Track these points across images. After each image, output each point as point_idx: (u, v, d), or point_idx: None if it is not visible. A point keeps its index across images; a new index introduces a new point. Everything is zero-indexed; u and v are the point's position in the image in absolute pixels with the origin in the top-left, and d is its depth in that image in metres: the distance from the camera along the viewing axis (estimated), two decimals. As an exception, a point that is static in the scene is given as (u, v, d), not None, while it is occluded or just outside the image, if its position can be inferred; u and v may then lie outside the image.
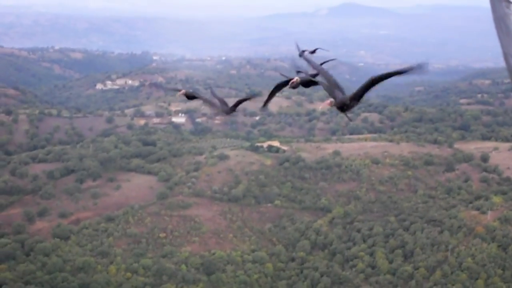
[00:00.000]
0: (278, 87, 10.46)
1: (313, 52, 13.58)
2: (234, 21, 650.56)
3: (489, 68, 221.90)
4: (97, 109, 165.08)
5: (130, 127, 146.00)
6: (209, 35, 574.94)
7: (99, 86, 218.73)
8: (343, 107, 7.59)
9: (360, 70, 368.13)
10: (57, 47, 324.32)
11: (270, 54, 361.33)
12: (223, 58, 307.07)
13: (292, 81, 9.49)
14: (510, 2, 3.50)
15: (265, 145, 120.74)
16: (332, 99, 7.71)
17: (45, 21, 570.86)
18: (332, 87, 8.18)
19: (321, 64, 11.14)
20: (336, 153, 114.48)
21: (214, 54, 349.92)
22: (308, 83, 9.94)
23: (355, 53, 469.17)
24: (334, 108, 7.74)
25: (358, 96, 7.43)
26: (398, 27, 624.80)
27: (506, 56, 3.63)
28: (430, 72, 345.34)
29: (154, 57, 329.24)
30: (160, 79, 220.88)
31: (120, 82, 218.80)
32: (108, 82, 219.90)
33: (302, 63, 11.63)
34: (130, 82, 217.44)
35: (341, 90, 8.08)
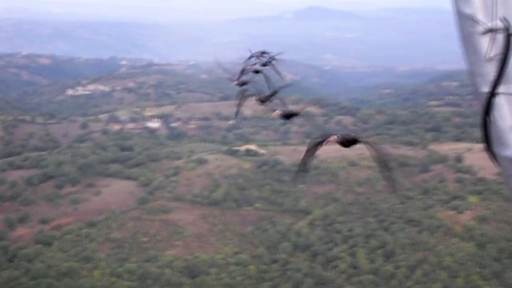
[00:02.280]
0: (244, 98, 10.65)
1: (262, 54, 12.53)
2: (199, 25, 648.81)
3: (456, 70, 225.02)
4: (70, 115, 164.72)
5: (105, 132, 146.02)
6: (174, 39, 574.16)
7: (69, 91, 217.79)
8: (344, 143, 6.74)
9: (327, 73, 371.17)
10: (24, 53, 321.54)
11: (237, 58, 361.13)
12: (191, 62, 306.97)
13: (274, 113, 9.20)
14: (476, 21, 3.59)
15: (242, 148, 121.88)
16: (336, 135, 6.84)
17: (9, 26, 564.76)
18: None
19: (269, 60, 11.57)
20: (314, 155, 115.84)
21: (180, 58, 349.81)
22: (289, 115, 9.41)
23: (321, 56, 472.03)
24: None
25: (358, 141, 6.66)
26: (363, 30, 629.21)
27: (471, 74, 3.76)
28: (397, 75, 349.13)
29: (122, 62, 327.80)
30: (131, 84, 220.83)
31: (91, 87, 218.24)
32: (79, 88, 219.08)
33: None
34: (101, 87, 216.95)
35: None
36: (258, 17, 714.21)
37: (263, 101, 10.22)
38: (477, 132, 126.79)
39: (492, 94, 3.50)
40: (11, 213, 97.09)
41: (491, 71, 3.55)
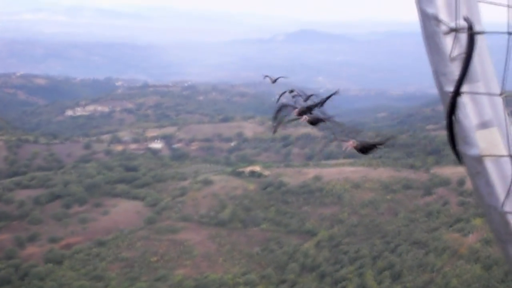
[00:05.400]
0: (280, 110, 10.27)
1: (275, 81, 12.98)
2: (192, 46, 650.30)
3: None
4: (71, 136, 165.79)
5: (108, 153, 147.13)
6: (167, 60, 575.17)
7: (68, 112, 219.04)
8: (363, 150, 7.45)
9: (322, 96, 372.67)
10: (19, 73, 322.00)
11: (230, 79, 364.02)
12: (187, 84, 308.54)
13: (301, 119, 9.10)
14: (439, 21, 3.64)
15: (247, 170, 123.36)
16: (354, 140, 7.49)
17: (1, 46, 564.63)
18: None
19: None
20: (317, 177, 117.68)
21: (174, 79, 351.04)
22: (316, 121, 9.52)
23: (313, 79, 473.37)
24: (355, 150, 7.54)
25: (378, 143, 7.45)
26: (354, 53, 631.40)
27: (435, 74, 3.76)
28: (389, 98, 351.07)
29: (117, 83, 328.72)
30: (129, 105, 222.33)
31: (90, 108, 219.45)
32: (78, 109, 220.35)
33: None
34: (100, 108, 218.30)
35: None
36: (251, 39, 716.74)
37: (311, 122, 9.44)
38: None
39: (456, 93, 3.63)
40: (20, 232, 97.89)
41: (455, 70, 3.66)
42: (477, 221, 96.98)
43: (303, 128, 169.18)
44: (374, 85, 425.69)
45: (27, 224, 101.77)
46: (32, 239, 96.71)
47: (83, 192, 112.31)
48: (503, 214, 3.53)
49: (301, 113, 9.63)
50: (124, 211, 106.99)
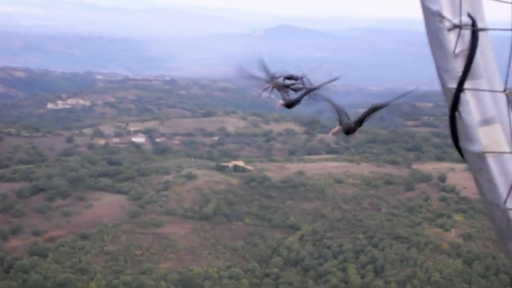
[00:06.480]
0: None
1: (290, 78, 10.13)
2: (170, 41, 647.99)
3: (432, 91, 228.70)
4: (53, 129, 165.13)
5: (90, 146, 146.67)
6: (146, 55, 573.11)
7: (50, 105, 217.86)
8: (349, 131, 7.78)
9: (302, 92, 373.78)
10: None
11: (210, 74, 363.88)
12: (168, 78, 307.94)
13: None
14: (443, 17, 3.66)
15: (230, 164, 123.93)
16: (339, 126, 7.82)
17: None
18: (340, 112, 8.03)
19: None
20: (300, 172, 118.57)
21: (153, 73, 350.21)
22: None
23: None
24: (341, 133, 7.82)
25: (361, 121, 7.76)
26: (333, 49, 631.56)
27: (439, 70, 3.77)
28: (369, 94, 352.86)
29: (97, 77, 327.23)
30: (111, 99, 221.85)
31: (71, 101, 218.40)
32: (59, 102, 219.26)
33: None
34: (81, 101, 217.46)
35: (346, 115, 8.13)
36: (230, 34, 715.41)
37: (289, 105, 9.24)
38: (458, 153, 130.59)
39: (459, 90, 3.65)
40: (3, 225, 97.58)
41: (457, 67, 3.67)
42: (458, 217, 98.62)
43: (285, 123, 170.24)
44: (353, 82, 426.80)
45: (11, 217, 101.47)
46: (15, 232, 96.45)
47: (66, 185, 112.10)
48: (505, 211, 3.60)
49: (273, 84, 9.51)
50: (108, 205, 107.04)
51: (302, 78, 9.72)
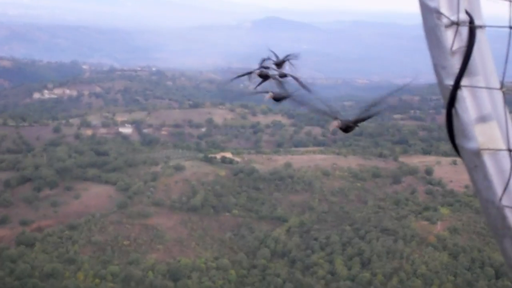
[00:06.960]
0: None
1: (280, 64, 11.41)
2: (157, 31, 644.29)
3: (419, 84, 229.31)
4: (40, 119, 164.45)
5: (77, 137, 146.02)
6: (133, 45, 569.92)
7: (36, 95, 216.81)
8: (347, 129, 7.73)
9: (288, 84, 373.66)
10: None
11: (197, 65, 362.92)
12: (155, 69, 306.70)
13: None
14: (440, 13, 3.65)
15: (218, 156, 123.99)
16: (339, 120, 7.70)
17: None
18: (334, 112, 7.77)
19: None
20: (288, 164, 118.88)
21: (140, 64, 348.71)
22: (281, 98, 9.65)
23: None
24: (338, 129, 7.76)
25: (360, 120, 7.64)
26: (319, 42, 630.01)
27: (436, 67, 3.75)
28: (355, 87, 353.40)
29: (84, 67, 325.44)
30: (97, 89, 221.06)
31: (57, 91, 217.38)
32: (45, 92, 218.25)
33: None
34: (67, 91, 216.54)
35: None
36: (217, 25, 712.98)
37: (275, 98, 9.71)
38: (444, 146, 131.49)
39: (456, 87, 3.64)
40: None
41: (455, 64, 3.66)
42: (445, 210, 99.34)
43: (273, 116, 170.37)
44: (339, 74, 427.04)
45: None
46: (3, 221, 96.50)
47: (54, 175, 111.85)
48: (500, 208, 3.55)
49: (262, 76, 10.22)
50: (95, 195, 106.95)
51: (288, 59, 10.94)
